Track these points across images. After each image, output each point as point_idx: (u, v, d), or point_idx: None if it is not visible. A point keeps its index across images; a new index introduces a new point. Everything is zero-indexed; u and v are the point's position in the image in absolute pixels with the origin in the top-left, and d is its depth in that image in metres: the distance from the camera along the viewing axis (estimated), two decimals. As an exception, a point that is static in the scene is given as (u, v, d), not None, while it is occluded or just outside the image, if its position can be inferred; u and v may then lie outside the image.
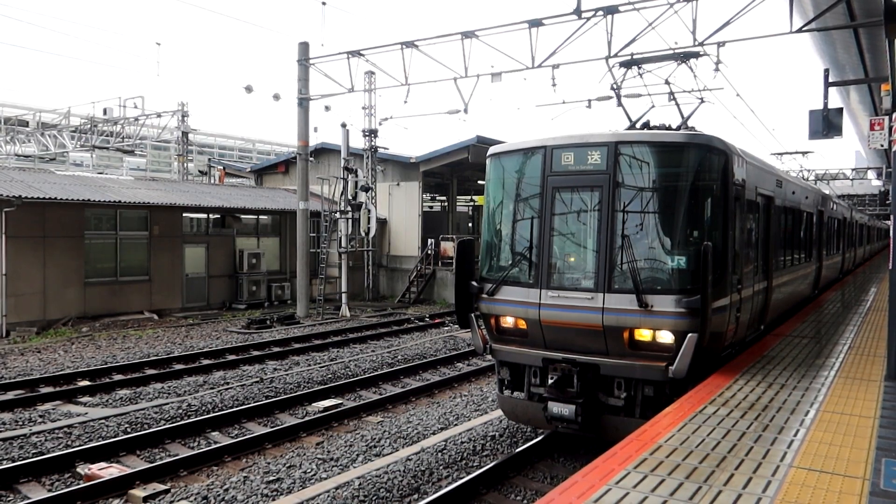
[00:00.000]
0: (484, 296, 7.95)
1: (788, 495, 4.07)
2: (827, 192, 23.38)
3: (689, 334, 6.64)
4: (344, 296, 23.19)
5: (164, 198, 21.92)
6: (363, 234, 24.34)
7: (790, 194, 10.80)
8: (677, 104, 10.17)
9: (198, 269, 22.85)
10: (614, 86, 10.58)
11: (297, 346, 16.53)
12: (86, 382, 12.55)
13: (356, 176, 23.67)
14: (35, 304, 18.36)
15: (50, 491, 7.58)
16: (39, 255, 18.45)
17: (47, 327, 18.28)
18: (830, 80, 13.69)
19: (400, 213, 29.11)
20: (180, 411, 10.53)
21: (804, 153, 34.04)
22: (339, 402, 11.29)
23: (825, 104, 13.16)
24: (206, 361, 14.52)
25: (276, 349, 16.07)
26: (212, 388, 12.14)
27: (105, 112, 30.28)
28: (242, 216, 24.64)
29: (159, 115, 29.88)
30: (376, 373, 13.33)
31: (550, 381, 7.39)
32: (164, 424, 9.90)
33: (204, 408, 10.78)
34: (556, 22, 16.07)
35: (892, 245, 7.21)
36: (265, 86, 79.50)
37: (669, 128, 8.69)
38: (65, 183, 20.90)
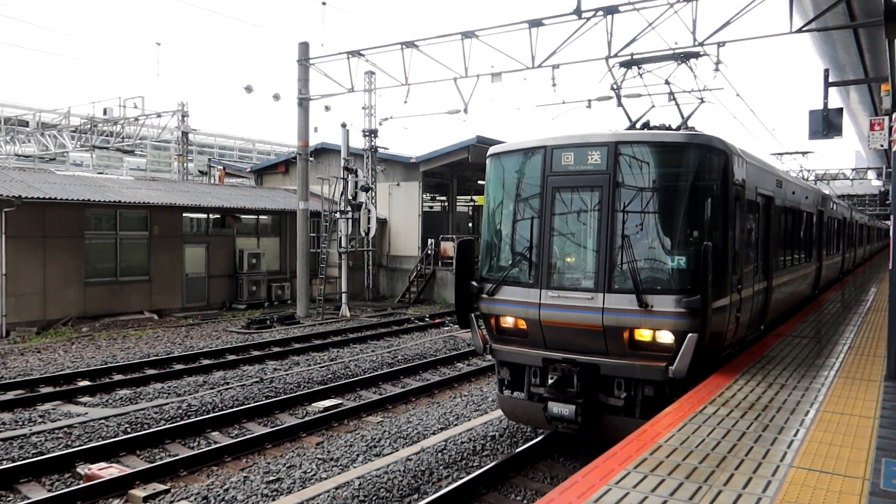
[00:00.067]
0: (484, 296, 7.95)
1: (788, 495, 4.07)
2: (827, 192, 23.39)
3: (689, 334, 6.64)
4: (344, 296, 23.19)
5: (164, 198, 21.92)
6: (363, 234, 24.34)
7: (790, 194, 10.81)
8: (677, 104, 10.17)
9: (198, 269, 22.85)
10: (614, 86, 10.58)
11: (297, 346, 16.53)
12: (86, 382, 12.55)
13: (356, 176, 23.67)
14: (35, 304, 18.36)
15: (50, 491, 7.58)
16: (39, 255, 18.45)
17: (47, 327, 18.29)
18: (830, 80, 13.69)
19: (400, 213, 29.11)
20: (180, 411, 10.53)
21: (804, 153, 34.04)
22: (339, 402, 11.30)
23: (825, 104, 13.17)
24: (206, 361, 14.52)
25: (276, 349, 16.07)
26: (212, 388, 12.14)
27: (105, 112, 30.29)
28: (242, 216, 24.64)
29: (159, 115, 29.89)
30: (376, 373, 13.33)
31: (550, 381, 7.39)
32: (164, 424, 9.90)
33: (204, 408, 10.78)
34: (556, 22, 16.07)
35: (892, 245, 7.21)
36: (265, 86, 79.58)
37: (669, 128, 8.69)
38: (65, 183, 20.91)
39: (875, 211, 49.43)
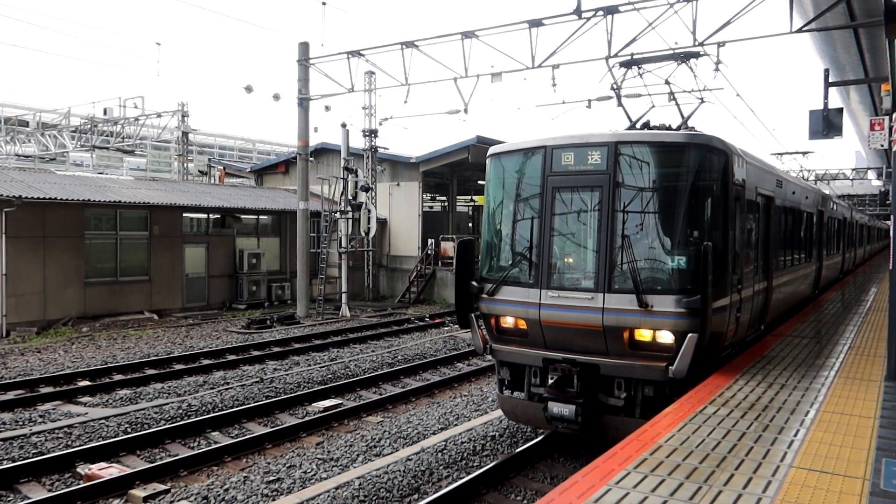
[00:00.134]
0: (484, 296, 7.95)
1: (788, 495, 4.07)
2: (827, 192, 23.38)
3: (690, 334, 6.64)
4: (344, 296, 23.19)
5: (164, 198, 21.92)
6: (363, 234, 24.35)
7: (790, 194, 10.81)
8: (677, 104, 10.18)
9: (198, 269, 22.86)
10: (614, 86, 10.58)
11: (297, 346, 16.54)
12: (86, 382, 12.55)
13: (356, 176, 23.67)
14: (35, 304, 18.36)
15: (50, 491, 7.59)
16: (39, 255, 18.45)
17: (47, 327, 18.29)
18: (830, 80, 13.69)
19: (400, 213, 29.11)
20: (180, 411, 10.53)
21: (804, 153, 34.03)
22: (339, 402, 11.30)
23: (825, 104, 13.17)
24: (206, 361, 14.52)
25: (276, 349, 16.07)
26: (212, 388, 12.14)
27: (105, 112, 30.29)
28: (242, 216, 24.64)
29: (159, 115, 29.89)
30: (376, 373, 13.33)
31: (550, 381, 7.39)
32: (164, 424, 9.90)
33: (204, 408, 10.78)
34: (556, 22, 16.08)
35: (892, 245, 7.21)
36: (265, 86, 79.51)
37: (669, 128, 8.69)
38: (65, 183, 20.91)
39: (875, 211, 49.43)
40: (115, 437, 9.32)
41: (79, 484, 7.66)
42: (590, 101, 21.75)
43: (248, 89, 28.75)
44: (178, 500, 7.20)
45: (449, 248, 27.04)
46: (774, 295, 9.45)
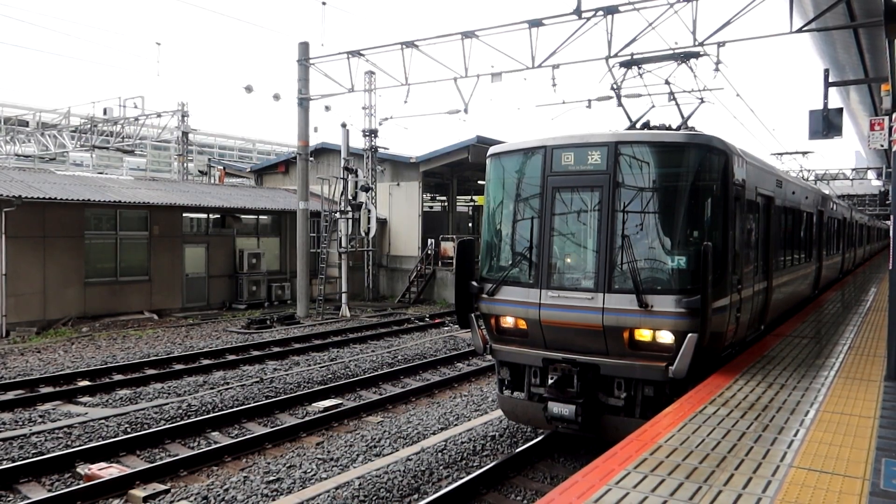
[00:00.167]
0: (484, 296, 7.95)
1: (788, 495, 4.07)
2: (827, 192, 23.38)
3: (689, 334, 6.64)
4: (344, 296, 23.19)
5: (164, 198, 21.92)
6: (363, 234, 24.35)
7: (790, 194, 10.81)
8: (677, 104, 10.18)
9: (198, 269, 22.85)
10: (614, 86, 10.58)
11: (297, 346, 16.53)
12: (86, 382, 12.55)
13: (356, 176, 23.67)
14: (35, 304, 18.36)
15: (50, 491, 7.58)
16: (39, 255, 18.45)
17: (47, 327, 18.29)
18: (830, 80, 13.69)
19: (400, 213, 29.11)
20: (180, 411, 10.53)
21: (804, 153, 34.03)
22: (339, 402, 11.30)
23: (825, 104, 13.17)
24: (206, 361, 14.52)
25: (276, 349, 16.07)
26: (212, 388, 12.14)
27: (105, 112, 30.29)
28: (242, 216, 24.64)
29: (159, 115, 29.89)
30: (376, 373, 13.33)
31: (550, 382, 7.39)
32: (164, 424, 9.90)
33: (204, 408, 10.78)
34: (556, 22, 16.08)
35: (892, 245, 7.21)
36: (265, 86, 79.54)
37: (669, 128, 8.69)
38: (65, 183, 20.91)
39: (875, 211, 49.42)
40: (114, 437, 9.32)
41: (79, 484, 7.66)
42: (590, 101, 21.76)
43: (248, 89, 28.76)
44: (178, 500, 7.20)
45: (449, 248, 27.04)
46: (774, 295, 9.45)
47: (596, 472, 4.45)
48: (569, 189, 7.44)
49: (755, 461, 4.64)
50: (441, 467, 7.94)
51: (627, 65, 10.10)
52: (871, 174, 42.06)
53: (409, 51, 18.53)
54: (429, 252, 27.51)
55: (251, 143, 64.54)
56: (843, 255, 20.09)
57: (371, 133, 26.58)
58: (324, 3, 23.54)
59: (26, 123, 37.37)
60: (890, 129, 8.80)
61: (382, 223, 28.57)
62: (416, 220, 28.64)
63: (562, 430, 7.62)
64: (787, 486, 4.22)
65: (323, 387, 12.05)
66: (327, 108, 31.86)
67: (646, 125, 8.92)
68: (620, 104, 10.23)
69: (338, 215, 23.67)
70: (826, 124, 13.11)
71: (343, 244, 23.45)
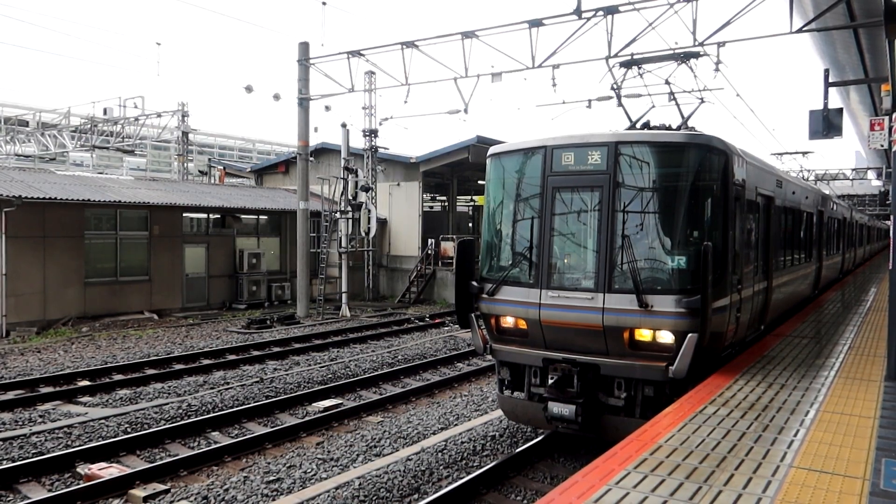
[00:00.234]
0: (484, 296, 7.95)
1: (788, 495, 4.07)
2: (827, 192, 23.38)
3: (690, 334, 6.64)
4: (344, 296, 23.19)
5: (164, 198, 21.92)
6: (363, 234, 24.34)
7: (790, 194, 10.81)
8: (677, 104, 10.18)
9: (198, 269, 22.85)
10: (614, 86, 10.58)
11: (297, 346, 16.53)
12: (86, 382, 12.55)
13: (356, 176, 23.67)
14: (35, 304, 18.36)
15: (50, 491, 7.58)
16: (39, 255, 18.45)
17: (47, 327, 18.29)
18: (830, 80, 13.70)
19: (400, 213, 29.11)
20: (180, 411, 10.53)
21: (804, 153, 34.04)
22: (340, 402, 11.29)
23: (825, 104, 13.17)
24: (206, 361, 14.52)
25: (277, 349, 16.07)
26: (212, 388, 12.14)
27: (105, 112, 30.30)
28: (242, 216, 24.64)
29: (159, 115, 29.90)
30: (376, 373, 13.33)
31: (550, 381, 7.39)
32: (164, 424, 9.90)
33: (204, 408, 10.78)
34: (556, 22, 16.08)
35: (892, 245, 7.21)
36: (265, 86, 79.57)
37: (669, 128, 8.69)
38: (65, 183, 20.91)
39: (875, 211, 49.42)
40: (114, 437, 9.32)
41: (79, 484, 7.66)
42: (590, 101, 21.76)
43: (248, 89, 28.75)
44: (178, 500, 7.20)
45: (449, 248, 27.04)
46: (774, 295, 9.45)
47: (596, 472, 4.45)
48: (569, 189, 7.44)
49: (755, 461, 4.64)
50: (441, 467, 7.94)
51: (627, 65, 10.10)
52: (871, 174, 42.07)
53: (409, 51, 18.54)
54: (429, 252, 27.51)
55: (251, 143, 64.57)
56: (843, 255, 20.09)
57: (371, 133, 26.58)
58: (324, 3, 23.56)
59: (26, 123, 37.37)
60: (890, 129, 8.80)
61: (382, 223, 28.57)
62: (416, 220, 28.64)
63: (562, 430, 7.62)
64: (787, 486, 4.22)
65: (323, 387, 12.05)
66: (327, 108, 31.79)
67: (646, 125, 8.92)
68: (620, 104, 10.23)
69: (338, 215, 23.67)
70: (826, 124, 13.11)
71: (343, 244, 23.46)
